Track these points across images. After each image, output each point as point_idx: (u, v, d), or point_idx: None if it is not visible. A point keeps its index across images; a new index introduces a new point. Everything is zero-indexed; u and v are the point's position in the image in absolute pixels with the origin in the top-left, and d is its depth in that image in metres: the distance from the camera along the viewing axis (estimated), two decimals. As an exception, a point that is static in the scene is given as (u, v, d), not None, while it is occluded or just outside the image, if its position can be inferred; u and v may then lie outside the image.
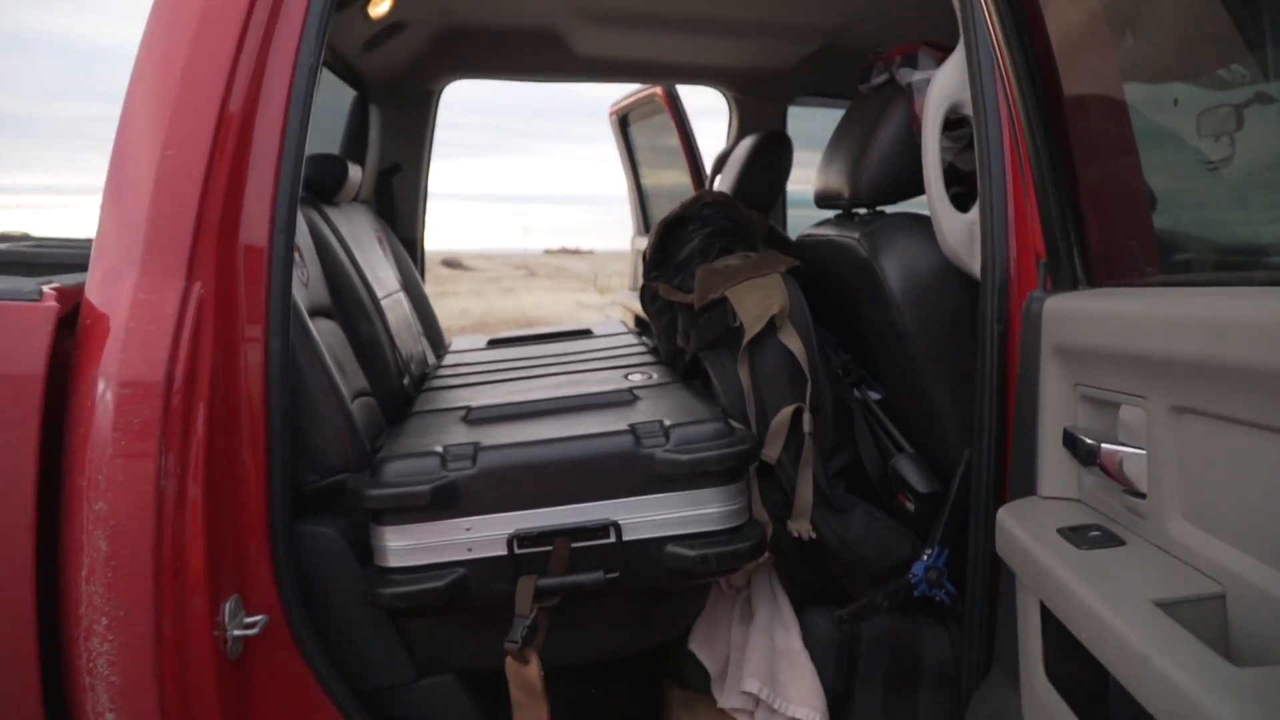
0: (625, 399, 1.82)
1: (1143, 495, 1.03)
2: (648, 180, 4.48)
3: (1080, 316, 1.18)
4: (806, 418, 1.80)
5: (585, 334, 2.86)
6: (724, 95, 3.57)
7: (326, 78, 2.81)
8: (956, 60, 1.68)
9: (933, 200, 1.69)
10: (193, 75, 1.40)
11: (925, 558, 1.77)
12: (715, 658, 1.87)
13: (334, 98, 2.88)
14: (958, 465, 1.75)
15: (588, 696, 1.88)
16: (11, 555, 1.28)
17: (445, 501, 1.49)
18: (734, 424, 1.66)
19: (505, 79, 3.40)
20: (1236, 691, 0.70)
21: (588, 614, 1.68)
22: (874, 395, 2.01)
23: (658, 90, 3.82)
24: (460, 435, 1.66)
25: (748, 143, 3.08)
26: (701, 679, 1.89)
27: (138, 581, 1.29)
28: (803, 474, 1.79)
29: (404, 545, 1.50)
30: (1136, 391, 1.03)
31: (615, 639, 1.73)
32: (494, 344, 2.84)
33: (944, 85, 1.69)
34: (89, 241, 1.41)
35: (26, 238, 2.27)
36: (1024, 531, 1.13)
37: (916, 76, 1.88)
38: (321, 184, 2.40)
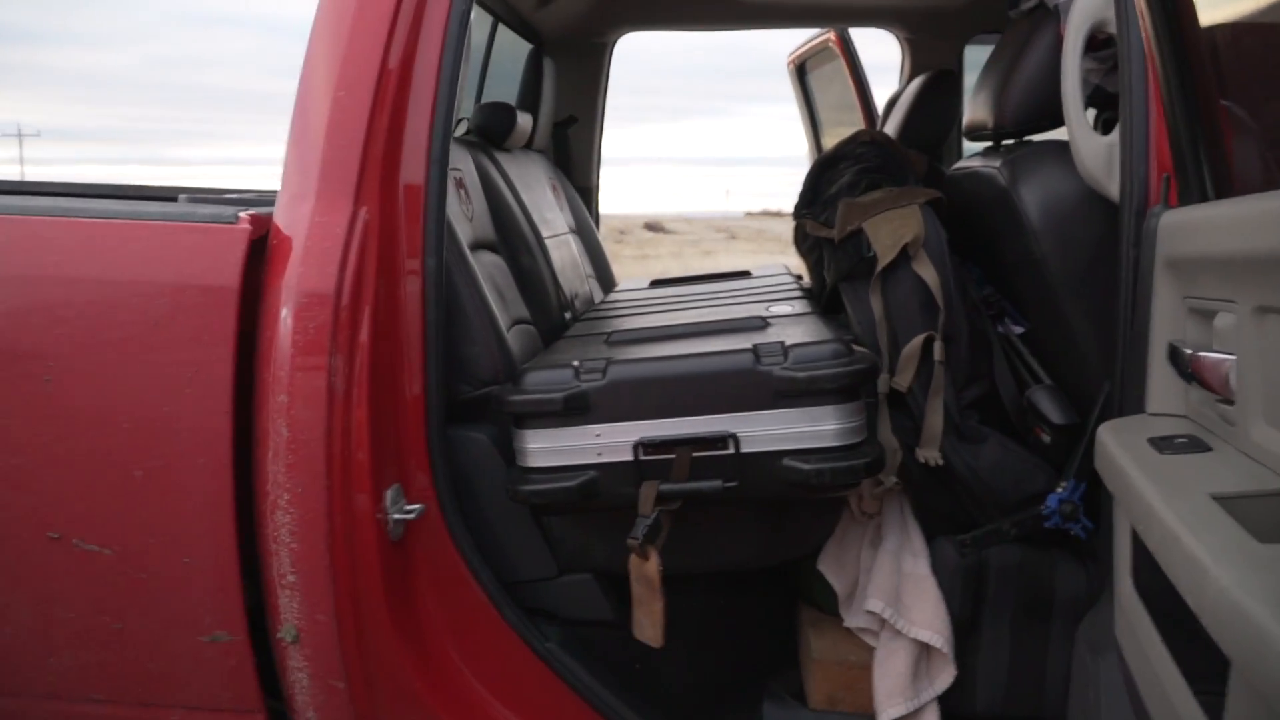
0: (757, 325, 1.89)
1: (1232, 402, 1.02)
2: (829, 137, 4.44)
3: (1191, 226, 1.16)
4: (937, 346, 1.81)
5: (744, 275, 2.93)
6: (895, 37, 3.51)
7: (504, 33, 3.00)
8: (1102, -23, 1.63)
9: (1070, 122, 1.65)
10: (359, 28, 1.58)
11: (1060, 490, 1.76)
12: (844, 580, 1.92)
13: (513, 52, 3.06)
14: (1098, 398, 1.72)
15: (716, 607, 1.98)
16: (213, 440, 1.51)
17: (577, 409, 1.62)
18: (856, 347, 1.70)
19: (675, 29, 3.48)
20: (1250, 562, 0.71)
21: (714, 525, 1.78)
22: (1017, 329, 1.98)
23: (831, 35, 3.79)
24: (600, 353, 1.79)
25: (916, 83, 3.04)
26: (830, 600, 1.95)
27: (312, 463, 1.50)
28: (932, 402, 1.81)
29: (541, 448, 1.64)
30: (1229, 296, 1.02)
31: (740, 551, 1.82)
32: (656, 284, 2.95)
33: (1088, 3, 1.65)
34: None
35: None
36: (1116, 443, 1.14)
37: (1070, -1, 1.82)
38: (490, 129, 2.58)
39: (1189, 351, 1.09)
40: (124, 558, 1.55)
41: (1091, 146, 1.62)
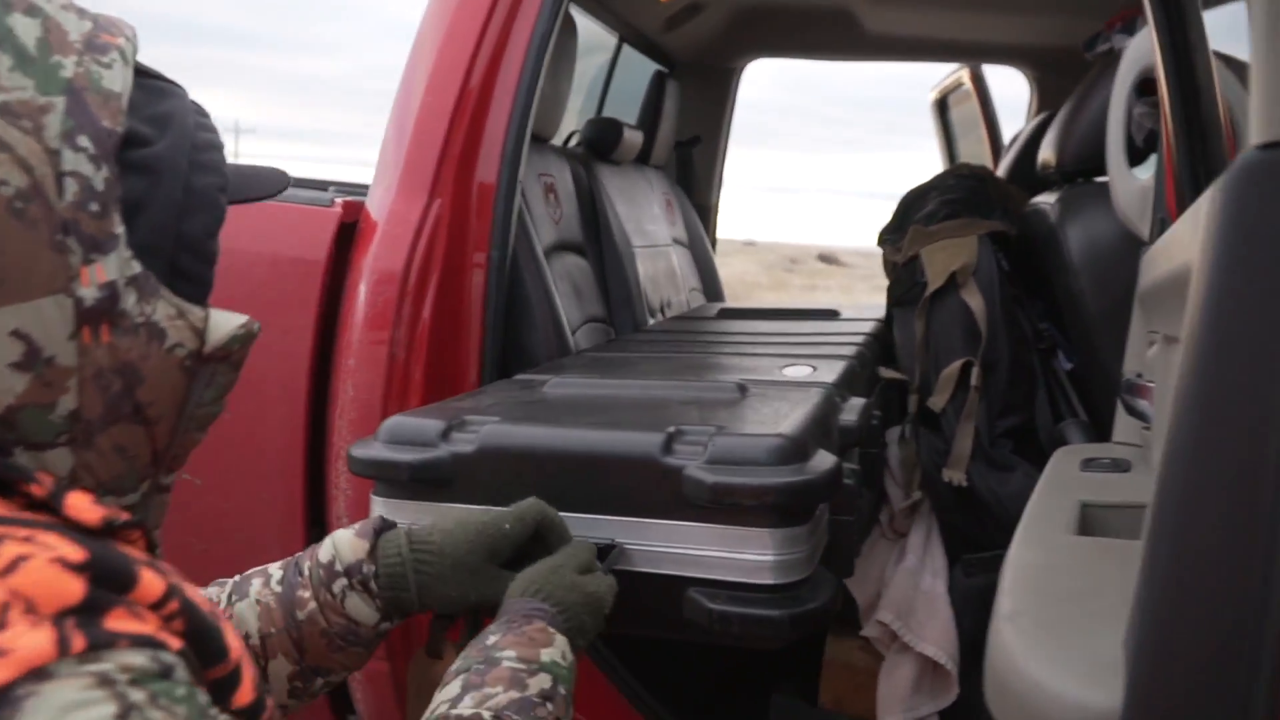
0: (730, 396, 1.42)
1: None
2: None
3: (1149, 260, 1.20)
4: (975, 372, 1.86)
5: (830, 315, 2.62)
6: (1025, 75, 3.49)
7: (631, 54, 3.19)
8: (1158, 23, 1.65)
9: (1110, 163, 1.68)
10: (450, 40, 1.80)
11: (1081, 524, 1.77)
12: (865, 591, 1.98)
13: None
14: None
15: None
16: (292, 393, 1.75)
17: (430, 482, 1.20)
18: (810, 446, 1.16)
19: (802, 58, 3.60)
20: (1036, 543, 0.78)
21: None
22: (1067, 365, 1.99)
23: (966, 72, 3.80)
24: (520, 399, 1.46)
25: (1035, 121, 3.03)
26: (854, 610, 2.01)
27: (370, 420, 1.71)
28: (963, 425, 1.86)
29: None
30: (1157, 327, 1.07)
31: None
32: (724, 314, 2.74)
33: (1140, 47, 1.67)
34: None
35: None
36: (1055, 462, 1.19)
37: (1131, 42, 1.84)
38: (597, 142, 2.77)
39: (1128, 380, 1.13)
40: (212, 488, 1.80)
41: (1127, 188, 1.65)
